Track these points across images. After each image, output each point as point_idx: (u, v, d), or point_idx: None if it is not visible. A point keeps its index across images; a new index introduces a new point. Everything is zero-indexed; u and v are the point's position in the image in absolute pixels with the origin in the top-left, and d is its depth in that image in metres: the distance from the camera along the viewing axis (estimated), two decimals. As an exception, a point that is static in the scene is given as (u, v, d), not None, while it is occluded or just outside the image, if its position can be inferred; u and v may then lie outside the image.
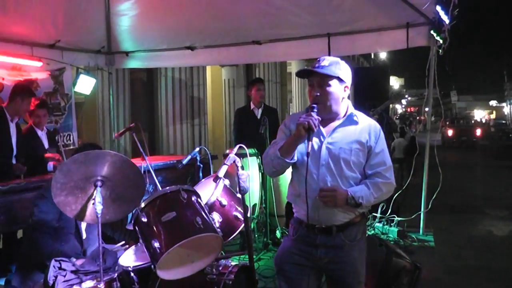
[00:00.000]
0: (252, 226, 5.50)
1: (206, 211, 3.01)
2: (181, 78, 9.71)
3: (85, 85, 6.94)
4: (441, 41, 5.65)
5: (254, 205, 5.42)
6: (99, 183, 2.78)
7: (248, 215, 3.03)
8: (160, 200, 2.91)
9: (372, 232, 5.96)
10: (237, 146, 3.15)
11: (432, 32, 5.64)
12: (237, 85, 12.11)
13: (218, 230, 3.00)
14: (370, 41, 6.36)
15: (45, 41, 6.39)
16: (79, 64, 7.03)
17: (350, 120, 2.73)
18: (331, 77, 2.64)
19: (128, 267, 3.33)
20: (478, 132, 30.71)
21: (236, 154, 3.12)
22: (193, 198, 2.95)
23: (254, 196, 5.41)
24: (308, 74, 2.72)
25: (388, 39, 6.26)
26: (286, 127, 2.81)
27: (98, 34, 7.12)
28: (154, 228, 2.82)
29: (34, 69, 6.38)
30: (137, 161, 4.74)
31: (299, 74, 2.80)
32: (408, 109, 65.85)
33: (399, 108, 61.44)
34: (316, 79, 2.66)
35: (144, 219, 2.86)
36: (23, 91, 5.41)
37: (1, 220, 4.05)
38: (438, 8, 5.31)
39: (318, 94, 2.64)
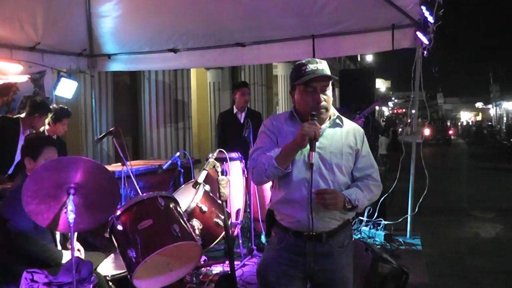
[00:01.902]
0: (236, 232, 5.39)
1: (185, 218, 2.91)
2: (165, 81, 9.60)
3: (66, 88, 6.75)
4: (426, 43, 5.61)
5: (238, 210, 5.31)
6: (71, 191, 2.64)
7: (229, 221, 2.93)
8: (137, 207, 2.82)
9: (359, 236, 5.89)
10: (217, 150, 3.06)
11: (417, 33, 5.59)
12: (222, 88, 12.05)
13: (197, 238, 2.91)
14: (355, 43, 6.28)
15: (25, 44, 6.22)
16: (60, 67, 6.85)
17: (335, 123, 2.64)
18: (330, 80, 2.55)
19: (106, 276, 3.22)
20: (451, 131, 39.85)
21: (217, 159, 3.03)
22: (171, 205, 2.86)
23: (237, 201, 5.31)
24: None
25: (373, 41, 6.18)
26: (270, 131, 2.64)
27: (79, 36, 6.97)
28: (130, 237, 2.73)
29: (13, 72, 6.20)
30: (118, 166, 4.63)
31: (314, 80, 2.51)
32: (395, 111, 66.23)
33: (386, 111, 61.81)
34: (322, 84, 2.53)
35: (120, 227, 2.77)
36: (43, 108, 5.31)
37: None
38: (423, 8, 5.27)
39: (326, 97, 2.54)
